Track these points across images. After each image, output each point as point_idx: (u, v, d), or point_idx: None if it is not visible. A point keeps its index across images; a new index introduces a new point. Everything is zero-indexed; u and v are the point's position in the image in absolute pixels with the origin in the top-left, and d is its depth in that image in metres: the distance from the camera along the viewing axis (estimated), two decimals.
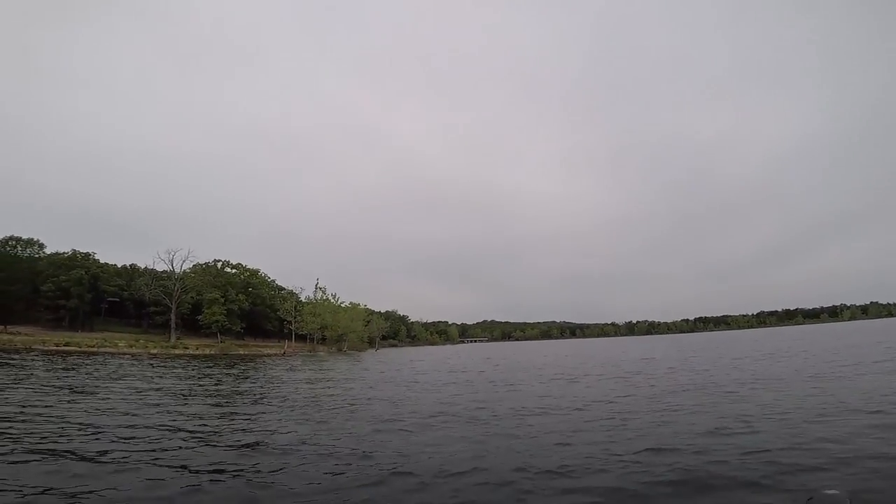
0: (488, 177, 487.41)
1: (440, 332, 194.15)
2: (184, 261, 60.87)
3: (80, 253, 63.92)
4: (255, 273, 78.92)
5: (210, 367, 27.95)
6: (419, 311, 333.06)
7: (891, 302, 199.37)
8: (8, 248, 60.15)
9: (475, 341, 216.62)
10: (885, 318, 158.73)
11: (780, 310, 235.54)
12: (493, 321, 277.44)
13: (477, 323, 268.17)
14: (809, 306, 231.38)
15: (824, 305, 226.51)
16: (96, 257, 66.36)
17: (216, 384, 18.20)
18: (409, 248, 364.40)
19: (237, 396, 14.49)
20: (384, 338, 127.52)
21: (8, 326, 50.09)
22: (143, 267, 72.46)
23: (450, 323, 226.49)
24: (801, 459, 5.75)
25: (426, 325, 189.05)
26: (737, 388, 13.06)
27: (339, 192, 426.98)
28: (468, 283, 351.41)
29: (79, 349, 45.33)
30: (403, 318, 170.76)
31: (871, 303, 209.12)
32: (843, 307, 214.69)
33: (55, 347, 45.00)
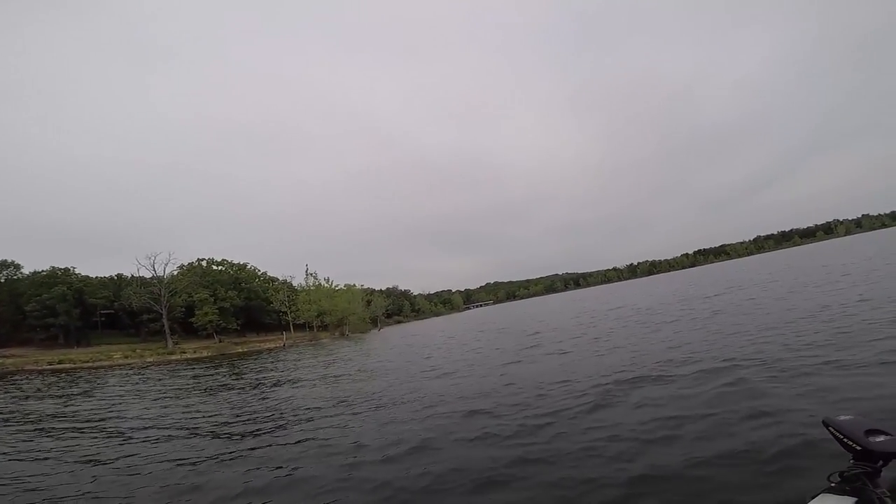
0: (475, 141, 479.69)
1: (444, 302, 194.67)
2: (165, 264, 58.94)
3: (59, 269, 61.86)
4: (242, 267, 76.89)
5: (190, 371, 26.59)
6: (422, 283, 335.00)
7: (882, 213, 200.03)
8: None
9: (480, 305, 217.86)
10: (878, 230, 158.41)
11: (776, 233, 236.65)
12: (496, 283, 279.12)
13: (480, 287, 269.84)
14: (804, 225, 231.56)
15: (818, 223, 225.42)
16: (77, 272, 64.32)
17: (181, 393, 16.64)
18: (405, 222, 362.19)
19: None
20: (388, 315, 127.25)
21: None
22: (129, 276, 70.65)
23: (453, 291, 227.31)
24: None
25: (429, 297, 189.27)
26: None
27: (329, 177, 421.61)
28: (468, 248, 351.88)
29: (73, 366, 44.23)
30: (406, 293, 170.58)
31: (864, 215, 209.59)
32: (837, 223, 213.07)
33: (48, 367, 43.87)
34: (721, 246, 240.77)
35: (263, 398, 12.82)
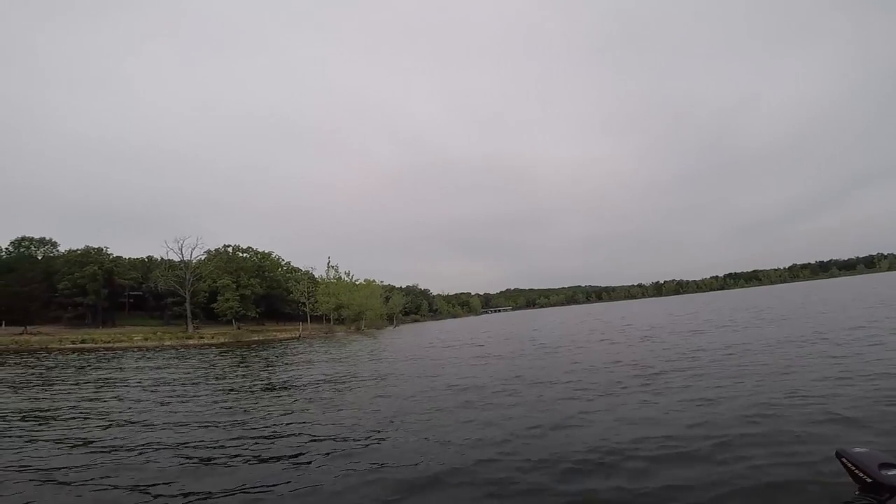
0: (506, 146, 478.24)
1: (462, 304, 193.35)
2: (193, 248, 60.04)
3: (93, 248, 63.89)
4: (266, 255, 77.76)
5: (195, 359, 26.36)
6: (441, 284, 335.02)
7: None
8: (21, 249, 60.60)
9: (499, 311, 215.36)
10: None
11: (813, 262, 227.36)
12: (516, 289, 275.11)
13: (500, 292, 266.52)
14: (844, 257, 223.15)
15: (860, 255, 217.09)
16: (109, 252, 66.37)
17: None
18: (428, 223, 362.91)
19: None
20: (406, 313, 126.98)
21: (28, 327, 50.44)
22: (159, 258, 72.55)
23: (472, 294, 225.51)
24: None
25: (448, 298, 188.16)
26: None
27: (356, 173, 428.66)
28: (490, 252, 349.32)
29: (94, 346, 45.26)
30: (425, 293, 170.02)
31: None
32: (881, 257, 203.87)
33: (71, 345, 45.03)
34: (753, 271, 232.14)
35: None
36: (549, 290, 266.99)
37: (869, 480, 1.60)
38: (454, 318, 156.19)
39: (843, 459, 1.76)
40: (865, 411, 5.83)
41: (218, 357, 26.50)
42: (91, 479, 5.26)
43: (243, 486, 4.83)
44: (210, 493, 4.72)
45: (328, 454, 5.83)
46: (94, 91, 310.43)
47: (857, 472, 1.65)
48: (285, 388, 12.49)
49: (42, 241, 62.94)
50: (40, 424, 8.83)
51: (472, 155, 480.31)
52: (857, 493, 1.66)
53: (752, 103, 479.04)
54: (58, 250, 64.05)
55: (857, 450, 1.75)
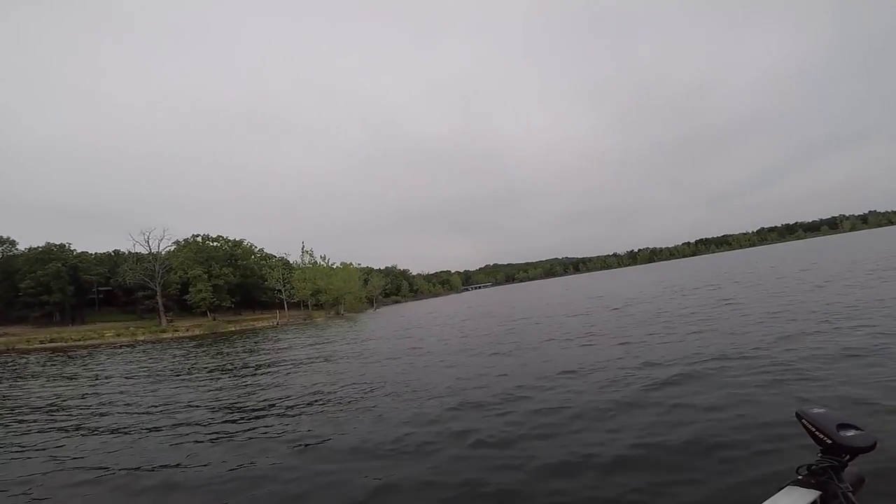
0: (481, 129, 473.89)
1: (443, 283, 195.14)
2: (160, 240, 58.63)
3: (55, 245, 61.66)
4: (238, 243, 76.34)
5: (170, 351, 26.58)
6: (421, 264, 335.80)
7: (889, 210, 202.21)
8: None
9: (478, 287, 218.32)
10: (884, 227, 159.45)
11: (780, 225, 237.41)
12: (495, 265, 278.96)
13: (480, 269, 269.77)
14: (809, 219, 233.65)
15: (823, 218, 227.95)
16: (72, 248, 64.17)
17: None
18: (408, 206, 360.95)
19: None
20: (386, 295, 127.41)
21: None
22: (126, 252, 70.50)
23: (452, 272, 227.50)
24: None
25: (428, 277, 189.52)
26: None
27: (332, 162, 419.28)
28: (468, 231, 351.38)
29: (65, 344, 44.47)
30: (404, 273, 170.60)
31: (870, 212, 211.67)
32: (843, 218, 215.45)
33: (39, 345, 44.13)
34: (723, 236, 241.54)
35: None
36: (527, 264, 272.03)
37: (829, 442, 1.61)
38: (435, 296, 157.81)
39: (804, 420, 1.73)
40: (824, 369, 6.16)
41: (194, 349, 26.66)
42: (87, 465, 5.87)
43: (221, 467, 5.20)
44: (187, 476, 5.12)
45: (300, 438, 6.14)
46: (42, 86, 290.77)
47: (816, 433, 1.66)
48: (261, 374, 12.87)
49: (0, 241, 60.36)
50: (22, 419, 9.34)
51: (449, 137, 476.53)
52: (819, 455, 1.67)
53: (721, 77, 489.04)
54: (17, 249, 61.58)
55: (816, 410, 1.74)
